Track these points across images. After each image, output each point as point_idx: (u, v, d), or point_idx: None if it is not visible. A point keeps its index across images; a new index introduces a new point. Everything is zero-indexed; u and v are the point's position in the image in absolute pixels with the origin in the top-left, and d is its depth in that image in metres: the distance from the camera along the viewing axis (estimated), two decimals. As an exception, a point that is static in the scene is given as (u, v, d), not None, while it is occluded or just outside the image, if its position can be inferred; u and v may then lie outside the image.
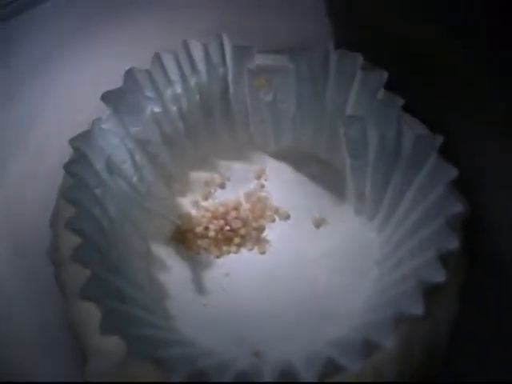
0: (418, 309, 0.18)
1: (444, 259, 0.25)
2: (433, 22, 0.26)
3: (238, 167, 0.27)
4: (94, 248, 0.19)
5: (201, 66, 0.23)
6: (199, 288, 0.24)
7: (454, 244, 0.19)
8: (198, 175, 0.26)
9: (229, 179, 0.27)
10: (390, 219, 0.23)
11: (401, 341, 0.22)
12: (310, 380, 0.17)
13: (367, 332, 0.18)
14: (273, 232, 0.26)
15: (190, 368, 0.17)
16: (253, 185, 0.26)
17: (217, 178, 0.27)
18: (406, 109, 0.27)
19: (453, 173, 0.19)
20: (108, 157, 0.21)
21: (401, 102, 0.21)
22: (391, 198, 0.22)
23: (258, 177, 0.27)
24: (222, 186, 0.27)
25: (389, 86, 0.27)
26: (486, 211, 0.26)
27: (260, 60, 0.23)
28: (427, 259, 0.19)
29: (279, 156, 0.27)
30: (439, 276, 0.18)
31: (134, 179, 0.23)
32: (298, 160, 0.26)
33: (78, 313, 0.22)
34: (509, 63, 0.24)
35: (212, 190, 0.26)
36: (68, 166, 0.20)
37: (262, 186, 0.26)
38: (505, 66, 0.25)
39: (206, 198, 0.26)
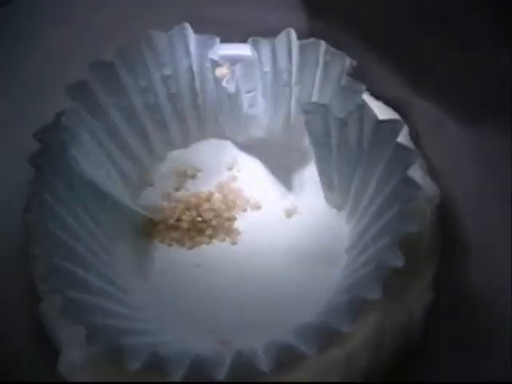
0: (375, 293, 0.18)
1: (412, 246, 0.25)
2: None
3: (209, 158, 0.27)
4: (57, 241, 0.19)
5: (165, 57, 0.23)
6: (171, 279, 0.24)
7: (410, 228, 0.19)
8: (169, 167, 0.26)
9: (200, 170, 0.27)
10: (357, 207, 0.23)
11: (373, 328, 0.22)
12: (267, 366, 0.17)
13: (326, 317, 0.18)
14: (244, 222, 0.26)
15: (149, 356, 0.17)
16: (224, 176, 0.27)
17: (188, 170, 0.27)
18: (376, 95, 0.28)
19: (413, 158, 0.19)
20: (72, 150, 0.21)
21: (363, 88, 0.21)
22: (357, 187, 0.23)
23: (230, 167, 0.27)
24: (194, 177, 0.27)
25: (359, 75, 0.28)
26: (457, 198, 0.26)
27: (224, 50, 0.23)
28: (385, 244, 0.19)
29: (250, 146, 0.27)
30: (397, 260, 0.18)
31: (103, 172, 0.23)
32: (270, 150, 0.27)
33: (49, 305, 0.22)
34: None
35: (184, 182, 0.26)
36: (32, 159, 0.20)
37: (234, 177, 0.27)
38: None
39: (177, 190, 0.26)
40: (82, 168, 0.21)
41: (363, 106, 0.20)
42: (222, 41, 0.23)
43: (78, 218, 0.21)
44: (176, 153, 0.27)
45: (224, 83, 0.23)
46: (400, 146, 0.19)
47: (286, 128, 0.25)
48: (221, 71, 0.23)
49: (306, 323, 0.19)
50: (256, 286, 0.24)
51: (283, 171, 0.26)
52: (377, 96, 0.28)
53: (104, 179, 0.23)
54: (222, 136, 0.27)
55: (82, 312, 0.18)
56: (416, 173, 0.26)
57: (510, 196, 0.24)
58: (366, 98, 0.27)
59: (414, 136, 0.27)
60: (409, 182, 0.19)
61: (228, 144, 0.27)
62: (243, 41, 0.25)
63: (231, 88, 0.23)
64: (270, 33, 0.27)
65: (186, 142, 0.27)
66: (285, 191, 0.26)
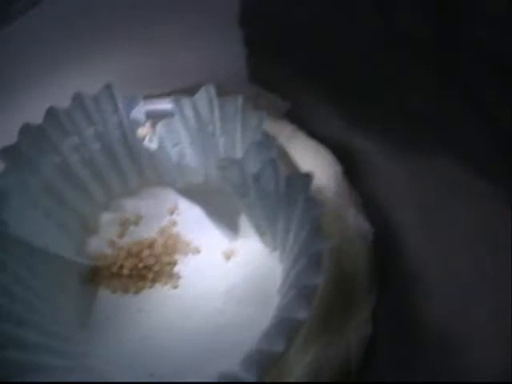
0: (278, 345, 0.19)
1: (350, 281, 0.26)
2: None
3: (150, 204, 0.28)
4: None
5: (95, 116, 0.24)
6: (114, 325, 0.25)
7: (316, 280, 0.19)
8: (112, 215, 0.28)
9: (143, 216, 0.28)
10: (285, 249, 0.24)
11: (310, 365, 0.23)
12: None
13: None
14: (185, 266, 0.27)
15: None
16: (165, 221, 0.28)
17: (131, 217, 0.28)
18: (313, 134, 0.29)
19: (320, 211, 0.20)
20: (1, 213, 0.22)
21: (275, 142, 0.22)
22: (282, 232, 0.23)
23: (171, 212, 0.28)
24: (137, 224, 0.28)
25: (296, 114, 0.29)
26: (394, 233, 0.27)
27: (150, 105, 0.24)
28: (292, 296, 0.20)
29: (190, 192, 0.28)
30: (301, 313, 0.19)
31: (40, 228, 0.24)
32: (208, 194, 0.28)
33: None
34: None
35: (127, 228, 0.27)
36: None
37: (175, 222, 0.28)
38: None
39: (121, 237, 0.27)
40: (14, 229, 0.22)
41: (275, 161, 0.21)
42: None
43: (13, 276, 0.22)
44: (118, 201, 0.28)
45: (146, 142, 0.24)
46: (309, 200, 0.20)
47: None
48: (142, 131, 0.24)
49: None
50: (195, 329, 0.25)
51: (221, 215, 0.27)
52: (313, 134, 0.29)
53: (42, 235, 0.24)
54: (161, 183, 0.28)
55: (11, 370, 0.19)
56: (349, 211, 0.27)
57: (446, 225, 0.25)
58: (302, 137, 0.29)
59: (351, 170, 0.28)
60: (315, 237, 0.20)
61: (168, 190, 0.28)
62: (184, 86, 0.27)
63: (153, 146, 0.24)
64: (210, 75, 0.29)
65: (126, 190, 0.28)
66: (223, 234, 0.27)
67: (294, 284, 0.21)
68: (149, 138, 0.24)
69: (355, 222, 0.27)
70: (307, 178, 0.21)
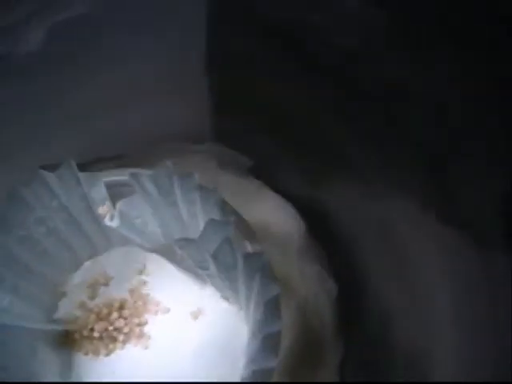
0: None
1: (315, 338, 0.27)
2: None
3: (119, 265, 0.28)
4: None
5: (58, 190, 0.25)
6: (88, 389, 0.26)
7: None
8: (82, 277, 0.28)
9: (112, 277, 0.28)
10: (249, 312, 0.25)
11: None
12: None
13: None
14: (155, 326, 0.27)
15: None
16: (135, 281, 0.28)
17: (100, 278, 0.28)
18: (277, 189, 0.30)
19: (275, 292, 0.21)
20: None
21: (231, 220, 0.22)
22: (245, 300, 0.24)
23: (140, 273, 0.28)
24: (107, 284, 0.28)
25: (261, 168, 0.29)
26: (359, 286, 0.28)
27: (108, 177, 0.25)
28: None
29: (159, 252, 0.28)
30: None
31: (11, 300, 0.25)
32: (175, 254, 0.28)
33: None
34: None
35: (97, 289, 0.28)
36: None
37: (144, 282, 0.28)
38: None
39: (92, 298, 0.28)
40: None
41: (230, 240, 0.22)
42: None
43: None
44: (87, 263, 0.28)
45: (106, 221, 0.24)
46: (264, 280, 0.21)
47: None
48: (102, 210, 0.24)
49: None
50: (164, 391, 0.26)
51: (188, 274, 0.28)
52: (278, 190, 0.29)
53: (10, 311, 0.24)
54: (129, 244, 0.28)
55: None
56: (313, 267, 0.28)
57: (413, 276, 0.26)
58: (267, 192, 0.29)
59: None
60: (271, 319, 0.21)
61: (136, 250, 0.29)
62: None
63: (114, 224, 0.24)
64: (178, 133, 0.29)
65: (94, 253, 0.28)
66: (192, 294, 0.28)
67: (256, 335, 0.22)
68: (109, 216, 0.24)
69: (319, 277, 0.27)
70: (262, 257, 0.21)
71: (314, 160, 0.29)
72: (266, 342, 0.20)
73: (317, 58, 0.25)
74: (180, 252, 0.23)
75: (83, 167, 0.28)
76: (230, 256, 0.22)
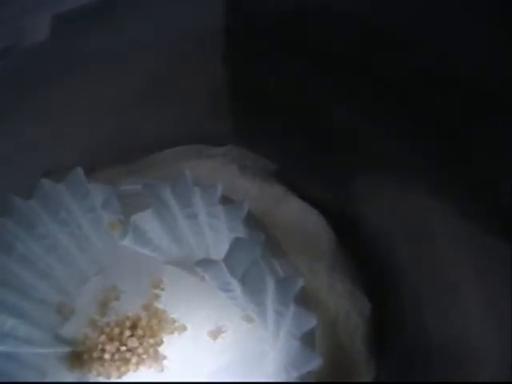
0: None
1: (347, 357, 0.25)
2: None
3: (132, 278, 0.26)
4: None
5: (64, 202, 0.22)
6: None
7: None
8: (91, 293, 0.26)
9: (124, 291, 0.26)
10: (278, 335, 0.22)
11: None
12: None
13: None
14: (170, 347, 0.25)
15: None
16: (149, 295, 0.26)
17: (111, 294, 0.26)
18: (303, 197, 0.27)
19: (311, 323, 0.18)
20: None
21: (261, 238, 0.20)
22: (273, 324, 0.22)
23: (155, 286, 0.26)
24: (118, 300, 0.26)
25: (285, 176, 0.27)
26: (393, 304, 0.25)
27: (126, 185, 0.23)
28: None
29: (175, 265, 0.26)
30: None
31: (15, 325, 0.23)
32: (193, 268, 0.26)
33: None
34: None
35: (107, 306, 0.26)
36: None
37: (159, 296, 0.26)
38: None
39: (102, 315, 0.26)
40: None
41: (259, 262, 0.19)
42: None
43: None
44: (96, 278, 0.26)
45: (118, 238, 0.22)
46: (299, 309, 0.19)
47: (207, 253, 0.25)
48: (113, 225, 0.22)
49: None
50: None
51: (207, 289, 0.25)
52: (303, 197, 0.27)
53: (14, 337, 0.22)
54: (144, 255, 0.26)
55: None
56: (344, 284, 0.25)
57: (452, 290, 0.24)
58: (293, 199, 0.27)
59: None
60: (306, 355, 0.18)
61: (150, 261, 0.26)
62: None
63: (127, 241, 0.22)
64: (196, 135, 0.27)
65: (103, 267, 0.26)
66: (210, 312, 0.25)
67: (289, 372, 0.20)
68: (122, 232, 0.22)
69: (351, 294, 0.25)
70: (294, 283, 0.19)
71: (341, 163, 0.26)
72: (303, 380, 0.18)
73: (343, 56, 0.24)
74: (201, 273, 0.21)
75: (92, 174, 0.26)
76: (259, 280, 0.19)
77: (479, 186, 0.22)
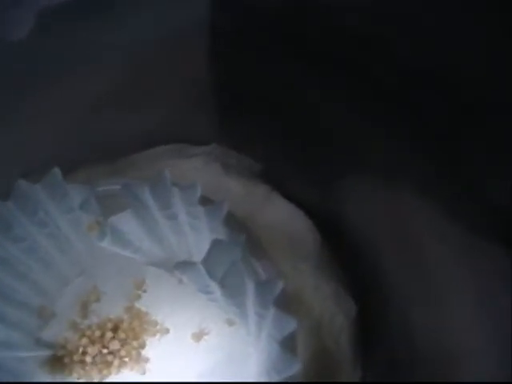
0: None
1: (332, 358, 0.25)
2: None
3: (113, 279, 0.26)
4: None
5: (42, 203, 0.22)
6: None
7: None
8: (72, 295, 0.25)
9: (105, 293, 0.26)
10: (259, 338, 0.22)
11: None
12: None
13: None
14: (153, 349, 0.25)
15: None
16: (131, 296, 0.25)
17: (92, 295, 0.25)
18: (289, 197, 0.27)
19: (290, 327, 0.18)
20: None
21: (242, 239, 0.19)
22: (255, 326, 0.21)
23: (137, 287, 0.26)
24: (99, 301, 0.25)
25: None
26: (378, 304, 0.25)
27: (104, 186, 0.22)
28: None
29: (157, 266, 0.25)
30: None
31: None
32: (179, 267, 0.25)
33: None
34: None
35: (88, 308, 0.25)
36: None
37: (141, 298, 0.25)
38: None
39: (83, 318, 0.25)
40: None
41: (239, 264, 0.19)
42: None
43: None
44: (78, 280, 0.26)
45: (96, 239, 0.21)
46: (279, 313, 0.18)
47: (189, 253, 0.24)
48: (91, 227, 0.21)
49: None
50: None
51: (190, 290, 0.25)
52: (289, 197, 0.26)
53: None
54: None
55: None
56: (329, 285, 0.25)
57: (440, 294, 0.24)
58: (278, 199, 0.26)
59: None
60: (287, 359, 0.18)
61: (132, 262, 0.26)
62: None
63: (105, 243, 0.21)
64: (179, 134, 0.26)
65: (84, 268, 0.25)
66: (193, 314, 0.25)
67: (271, 375, 0.20)
68: (99, 234, 0.21)
69: (336, 296, 0.25)
70: (275, 285, 0.19)
71: (327, 163, 0.26)
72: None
73: (329, 57, 0.23)
74: (180, 276, 0.21)
75: (73, 173, 0.26)
76: (239, 283, 0.19)
77: (467, 186, 0.22)
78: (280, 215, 0.26)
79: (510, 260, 0.20)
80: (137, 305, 0.25)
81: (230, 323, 0.24)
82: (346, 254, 0.26)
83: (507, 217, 0.20)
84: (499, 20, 0.19)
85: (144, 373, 0.24)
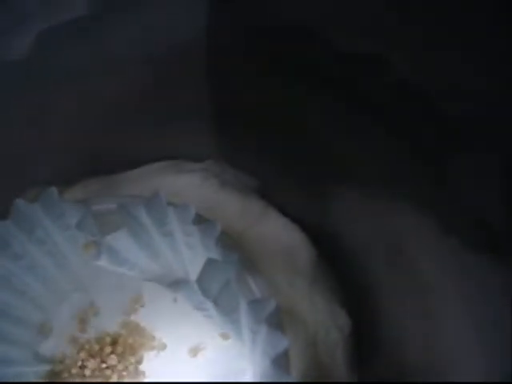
0: None
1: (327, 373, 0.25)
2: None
3: (111, 294, 0.26)
4: None
5: (39, 221, 0.22)
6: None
7: None
8: (69, 311, 0.26)
9: (103, 307, 0.26)
10: (255, 352, 0.22)
11: None
12: None
13: None
14: (150, 364, 0.25)
15: None
16: (128, 311, 0.26)
17: (91, 310, 0.26)
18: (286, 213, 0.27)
19: (282, 345, 0.18)
20: None
21: (235, 258, 0.20)
22: (249, 341, 0.22)
23: (135, 303, 0.26)
24: (98, 315, 0.26)
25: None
26: (371, 319, 0.25)
27: (100, 204, 0.22)
28: None
29: (154, 281, 0.26)
30: None
31: None
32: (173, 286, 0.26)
33: None
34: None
35: (87, 323, 0.26)
36: None
37: (139, 312, 0.26)
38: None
39: (82, 332, 0.26)
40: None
41: (232, 283, 0.19)
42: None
43: None
44: (75, 295, 0.26)
45: (92, 258, 0.22)
46: (271, 331, 0.18)
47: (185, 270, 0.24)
48: (87, 247, 0.22)
49: None
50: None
51: (186, 306, 0.25)
52: (284, 213, 0.27)
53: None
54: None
55: None
56: (324, 299, 0.25)
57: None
58: (273, 214, 0.27)
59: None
60: (277, 374, 0.18)
61: (132, 277, 0.26)
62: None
63: (102, 262, 0.22)
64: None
65: (81, 284, 0.26)
66: (190, 329, 0.25)
67: None
68: (96, 252, 0.22)
69: (331, 311, 0.25)
70: (269, 304, 0.19)
71: (322, 179, 0.26)
72: None
73: (318, 71, 0.24)
74: (175, 294, 0.21)
75: (70, 189, 0.26)
76: (232, 301, 0.19)
77: (460, 202, 0.22)
78: (276, 230, 0.26)
79: (499, 272, 0.20)
80: (135, 320, 0.26)
81: (226, 337, 0.24)
82: (340, 269, 0.26)
83: (495, 229, 0.21)
84: (491, 46, 0.19)
85: (141, 388, 0.25)
